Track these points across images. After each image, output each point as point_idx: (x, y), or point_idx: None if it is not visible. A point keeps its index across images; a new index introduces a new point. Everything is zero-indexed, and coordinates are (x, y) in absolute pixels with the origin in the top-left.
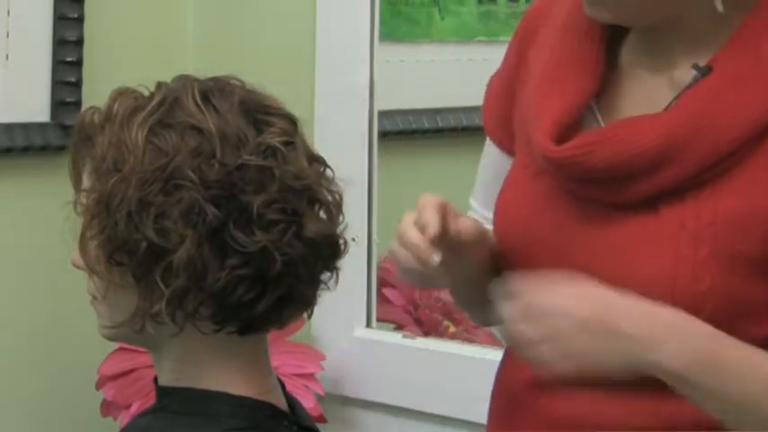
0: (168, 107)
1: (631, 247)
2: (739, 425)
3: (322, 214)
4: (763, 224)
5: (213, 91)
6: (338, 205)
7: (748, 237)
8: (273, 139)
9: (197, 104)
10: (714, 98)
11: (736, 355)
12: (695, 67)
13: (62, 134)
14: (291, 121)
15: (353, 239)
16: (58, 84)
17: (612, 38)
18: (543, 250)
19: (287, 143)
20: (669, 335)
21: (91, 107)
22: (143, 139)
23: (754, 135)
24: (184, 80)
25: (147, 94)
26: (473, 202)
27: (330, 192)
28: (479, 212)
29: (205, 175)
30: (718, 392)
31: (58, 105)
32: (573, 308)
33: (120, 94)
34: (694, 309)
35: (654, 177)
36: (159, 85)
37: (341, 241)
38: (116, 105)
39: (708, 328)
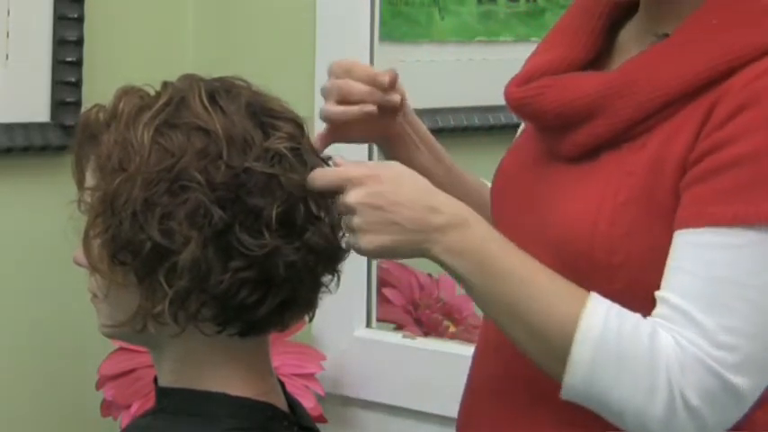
0: (174, 107)
1: (566, 192)
2: (509, 331)
3: (326, 218)
4: (668, 172)
5: (220, 92)
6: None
7: (658, 184)
8: (280, 144)
9: (203, 105)
10: (656, 58)
11: (507, 261)
12: (657, 35)
13: (62, 134)
14: (298, 124)
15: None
16: (58, 84)
17: (616, 20)
18: (509, 195)
19: (293, 149)
20: (442, 233)
21: (96, 105)
22: (149, 139)
23: (686, 93)
24: (190, 80)
25: (152, 92)
26: None
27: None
28: None
29: (211, 176)
30: (485, 292)
31: (58, 105)
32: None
33: (126, 92)
34: (610, 250)
35: (590, 126)
36: (165, 84)
37: (343, 245)
38: (121, 104)
39: (485, 232)
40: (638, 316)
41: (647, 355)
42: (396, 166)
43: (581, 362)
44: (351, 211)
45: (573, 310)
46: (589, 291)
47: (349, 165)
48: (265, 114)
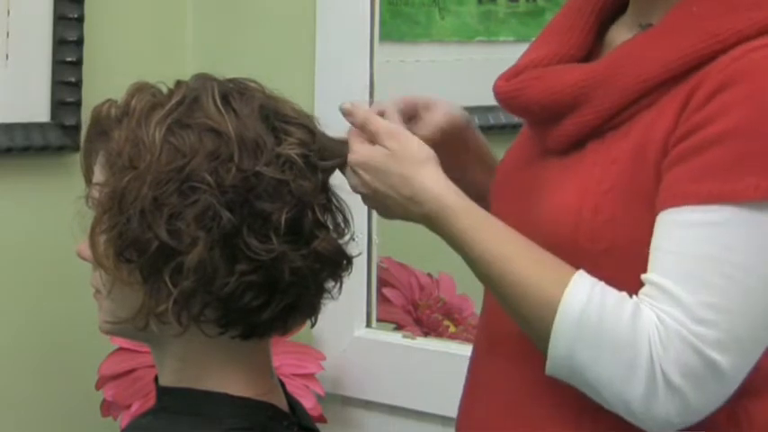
0: (187, 107)
1: (553, 186)
2: (503, 307)
3: (331, 225)
4: (650, 158)
5: (233, 93)
6: (347, 219)
7: (641, 170)
8: (291, 150)
9: (216, 106)
10: (638, 47)
11: (486, 249)
12: (641, 26)
13: (62, 134)
14: (310, 130)
15: (353, 239)
16: (58, 84)
17: (608, 18)
18: (504, 193)
19: (304, 155)
20: (423, 220)
21: (108, 100)
22: (160, 137)
23: (667, 79)
24: (204, 80)
25: (164, 90)
26: None
27: (340, 203)
28: None
29: (222, 179)
30: (475, 272)
31: (58, 105)
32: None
33: (139, 89)
34: (594, 238)
35: (575, 116)
36: (179, 83)
37: (348, 253)
38: (134, 101)
39: (463, 222)
40: (623, 293)
41: (629, 330)
42: (393, 145)
43: (563, 336)
44: (358, 191)
45: (554, 290)
46: None
47: (353, 142)
48: (278, 119)
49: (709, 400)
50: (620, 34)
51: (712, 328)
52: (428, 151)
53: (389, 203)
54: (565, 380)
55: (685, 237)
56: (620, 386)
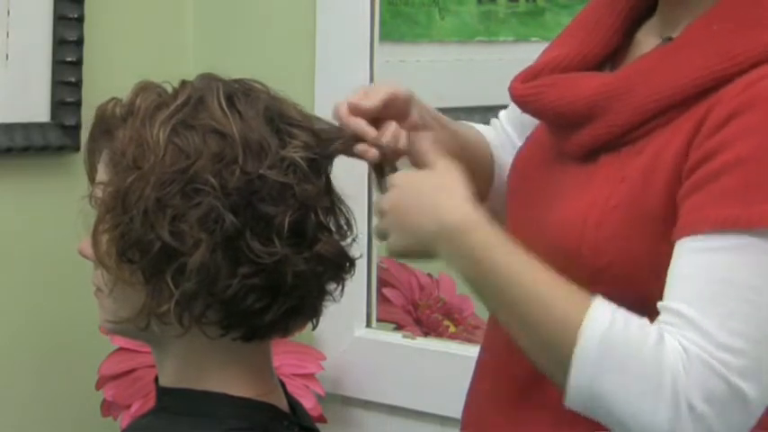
0: (192, 107)
1: (566, 193)
2: (515, 336)
3: (334, 227)
4: (659, 179)
5: (238, 94)
6: (349, 222)
7: (649, 190)
8: (296, 153)
9: (221, 107)
10: (655, 63)
11: (505, 270)
12: (662, 38)
13: (62, 134)
14: (314, 133)
15: (355, 241)
16: (58, 84)
17: (638, 17)
18: (521, 191)
19: (308, 159)
20: (443, 240)
21: (113, 98)
22: (165, 138)
23: (682, 99)
24: (209, 80)
25: (169, 90)
26: (501, 113)
27: (343, 206)
28: (502, 122)
29: (226, 181)
30: (486, 297)
31: (58, 105)
32: (411, 189)
33: (144, 88)
34: (596, 253)
35: (591, 127)
36: (184, 83)
37: (351, 255)
38: (138, 100)
39: (484, 239)
40: (645, 320)
41: (654, 356)
42: (434, 168)
43: (586, 358)
44: (379, 214)
45: (576, 314)
46: None
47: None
48: (283, 121)
49: (731, 427)
50: (646, 39)
51: (737, 356)
52: (463, 177)
53: (411, 220)
54: (582, 410)
55: (703, 263)
56: (644, 414)
